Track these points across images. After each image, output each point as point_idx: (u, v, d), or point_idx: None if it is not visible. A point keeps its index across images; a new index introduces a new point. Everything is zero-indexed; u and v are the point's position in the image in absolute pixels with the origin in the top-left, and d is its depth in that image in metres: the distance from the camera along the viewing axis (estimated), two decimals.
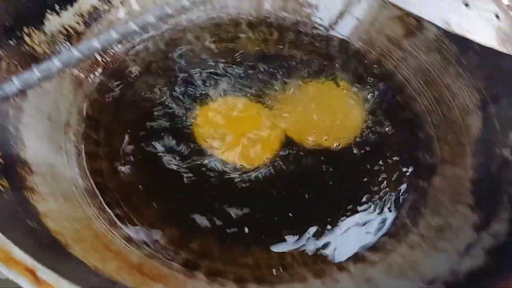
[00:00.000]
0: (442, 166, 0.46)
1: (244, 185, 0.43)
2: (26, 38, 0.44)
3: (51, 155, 0.41)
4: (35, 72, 0.27)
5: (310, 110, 0.50)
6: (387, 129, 0.49)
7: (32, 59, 0.43)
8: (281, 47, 0.56)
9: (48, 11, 0.46)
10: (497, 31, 0.32)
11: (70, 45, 0.45)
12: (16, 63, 0.42)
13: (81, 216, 0.38)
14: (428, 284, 0.35)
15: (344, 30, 0.56)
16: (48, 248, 0.30)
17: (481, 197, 0.41)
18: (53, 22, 0.46)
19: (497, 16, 0.32)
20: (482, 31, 0.31)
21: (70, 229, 0.35)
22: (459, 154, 0.46)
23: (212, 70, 0.52)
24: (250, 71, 0.53)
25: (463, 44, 0.50)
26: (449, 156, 0.47)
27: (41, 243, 0.30)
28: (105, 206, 0.41)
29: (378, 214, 0.43)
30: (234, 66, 0.53)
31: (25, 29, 0.44)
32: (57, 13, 0.47)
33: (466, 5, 0.31)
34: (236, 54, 0.54)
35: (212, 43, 0.56)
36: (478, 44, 0.48)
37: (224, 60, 0.53)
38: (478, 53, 0.48)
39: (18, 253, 0.24)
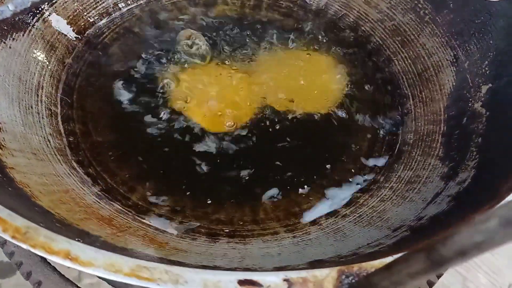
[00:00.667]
0: (415, 123, 0.47)
1: (217, 145, 0.44)
2: None
3: (21, 114, 0.41)
4: None
5: (289, 76, 0.50)
6: (365, 90, 0.49)
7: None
8: (258, 11, 0.56)
9: None
10: None
11: None
12: None
13: (51, 172, 0.38)
14: (394, 231, 0.35)
15: None
16: (13, 197, 0.30)
17: (451, 149, 0.41)
18: None
19: None
20: None
21: (38, 183, 0.35)
22: (433, 110, 0.46)
23: (189, 35, 0.52)
24: (226, 36, 0.53)
25: (437, 2, 0.50)
26: (422, 113, 0.47)
27: (5, 192, 0.30)
28: (77, 164, 0.41)
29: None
30: (210, 33, 0.53)
31: None
32: None
33: None
34: (214, 20, 0.54)
35: (188, 7, 0.55)
36: (452, 2, 0.49)
37: (200, 26, 0.53)
38: (452, 10, 0.48)
39: None
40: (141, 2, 0.55)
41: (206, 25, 0.54)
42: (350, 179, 0.43)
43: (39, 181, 0.35)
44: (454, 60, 0.47)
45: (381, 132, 0.47)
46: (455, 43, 0.48)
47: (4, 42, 0.42)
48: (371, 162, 0.44)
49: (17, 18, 0.45)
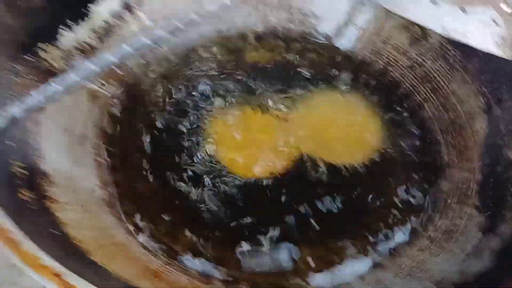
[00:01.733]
0: (449, 170, 0.47)
1: (252, 194, 0.45)
2: (42, 53, 0.45)
3: (69, 166, 0.42)
4: (55, 86, 0.29)
5: (324, 125, 0.51)
6: (397, 139, 0.50)
7: (49, 74, 0.45)
8: (288, 57, 0.58)
9: (61, 26, 0.48)
10: (494, 36, 0.33)
11: (86, 59, 0.47)
12: (34, 78, 0.44)
13: (99, 225, 0.39)
14: (436, 284, 0.36)
15: (349, 40, 0.58)
16: (71, 255, 0.32)
17: (487, 199, 0.42)
18: (67, 37, 0.48)
19: (494, 22, 0.33)
20: (479, 36, 0.32)
21: (90, 237, 0.36)
22: (466, 158, 0.47)
23: (222, 82, 0.54)
24: (258, 82, 0.54)
25: (467, 50, 0.51)
26: (456, 160, 0.48)
27: (64, 250, 0.31)
28: (123, 215, 0.42)
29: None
30: (243, 78, 0.54)
31: (40, 45, 0.45)
32: (70, 28, 0.48)
33: (463, 10, 0.32)
34: (245, 66, 0.56)
35: (220, 55, 0.57)
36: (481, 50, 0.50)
37: (233, 72, 0.55)
38: (481, 58, 0.49)
39: (46, 259, 0.25)
40: (176, 50, 0.57)
41: (240, 73, 0.55)
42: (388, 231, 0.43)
43: (89, 235, 0.37)
44: (486, 108, 0.48)
45: (415, 176, 0.47)
46: (486, 90, 0.48)
47: None
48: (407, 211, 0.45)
49: (62, 71, 0.47)
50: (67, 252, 0.32)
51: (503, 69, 0.47)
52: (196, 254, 0.41)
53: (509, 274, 0.31)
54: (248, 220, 0.43)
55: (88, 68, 0.29)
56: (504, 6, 0.34)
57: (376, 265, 0.41)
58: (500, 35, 0.33)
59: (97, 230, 0.38)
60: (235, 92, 0.52)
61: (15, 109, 0.28)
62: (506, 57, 0.33)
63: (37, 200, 0.36)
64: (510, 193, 0.41)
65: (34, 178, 0.38)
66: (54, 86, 0.29)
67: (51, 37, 0.46)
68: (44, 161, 0.40)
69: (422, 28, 0.54)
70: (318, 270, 0.41)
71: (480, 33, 0.32)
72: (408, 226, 0.44)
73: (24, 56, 0.44)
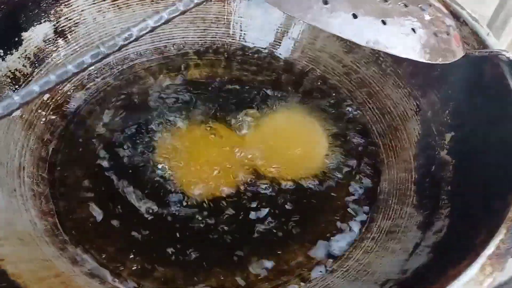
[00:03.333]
0: (388, 171, 0.49)
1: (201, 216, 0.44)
2: None
3: (4, 199, 0.41)
4: None
5: (269, 138, 0.52)
6: (340, 141, 0.52)
7: None
8: (229, 71, 0.59)
9: None
10: (414, 44, 0.34)
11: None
12: None
13: (40, 257, 0.38)
14: (381, 285, 0.37)
15: (286, 51, 0.59)
16: None
17: (423, 197, 0.44)
18: None
19: (413, 30, 0.35)
20: (400, 45, 0.34)
21: (28, 271, 0.35)
22: (403, 159, 0.49)
23: (164, 101, 0.53)
24: (201, 97, 0.54)
25: (396, 56, 0.53)
26: (394, 161, 0.49)
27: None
28: (66, 244, 0.41)
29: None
30: (185, 95, 0.54)
31: None
32: (2, 58, 0.47)
33: (384, 23, 0.34)
34: (186, 83, 0.56)
35: (161, 74, 0.57)
36: None
37: (176, 89, 0.55)
38: (410, 63, 0.52)
39: None
40: (114, 71, 0.56)
41: (181, 89, 0.55)
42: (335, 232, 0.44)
43: (27, 268, 0.35)
44: (418, 110, 0.50)
45: (356, 179, 0.49)
46: (417, 93, 0.51)
47: None
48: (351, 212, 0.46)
49: None
50: None
51: (432, 73, 0.50)
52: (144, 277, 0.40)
53: (444, 269, 0.33)
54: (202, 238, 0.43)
55: (13, 100, 0.29)
56: (425, 15, 0.36)
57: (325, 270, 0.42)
58: (418, 41, 0.35)
59: (37, 262, 0.37)
60: (180, 111, 0.52)
61: None
62: (425, 61, 0.35)
63: None
64: (445, 191, 0.43)
65: None
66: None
67: None
68: None
69: None
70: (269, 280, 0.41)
71: (400, 42, 0.34)
72: (353, 227, 0.45)
73: None
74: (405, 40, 0.34)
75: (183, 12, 0.32)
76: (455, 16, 0.45)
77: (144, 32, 0.31)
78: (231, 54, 0.61)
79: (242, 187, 0.46)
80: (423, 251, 0.38)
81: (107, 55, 0.30)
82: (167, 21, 0.32)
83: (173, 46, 0.60)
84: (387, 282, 0.37)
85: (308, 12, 0.33)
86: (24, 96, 0.29)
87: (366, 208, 0.46)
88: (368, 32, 0.33)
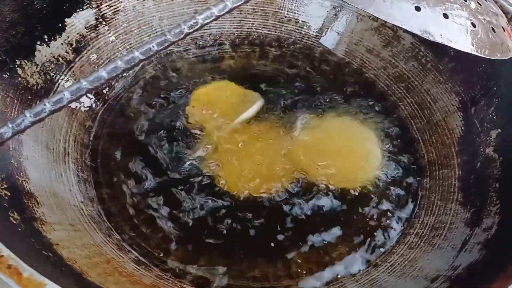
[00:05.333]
0: (429, 168, 0.49)
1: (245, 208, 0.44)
2: (19, 70, 0.44)
3: (53, 184, 0.41)
4: (46, 105, 0.28)
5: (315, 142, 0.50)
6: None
7: (25, 90, 0.44)
8: (264, 62, 0.58)
9: (38, 42, 0.46)
10: (474, 38, 0.34)
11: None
12: (11, 95, 0.42)
13: (90, 243, 0.38)
14: (432, 281, 0.37)
15: (325, 43, 0.59)
16: (67, 276, 0.31)
17: (469, 194, 0.44)
18: (43, 52, 0.47)
19: (473, 25, 0.34)
20: (461, 39, 0.34)
21: (82, 256, 0.35)
22: (445, 154, 0.49)
23: None
24: None
25: (438, 50, 0.53)
26: (435, 157, 0.49)
27: (60, 272, 0.30)
28: (111, 231, 0.41)
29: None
30: None
31: (17, 61, 0.44)
32: (47, 44, 0.47)
33: (446, 16, 0.33)
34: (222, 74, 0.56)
35: (197, 63, 0.57)
36: (452, 50, 0.52)
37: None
38: (452, 58, 0.51)
39: (49, 284, 0.24)
40: (152, 59, 0.56)
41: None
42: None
43: (82, 254, 0.36)
44: (460, 106, 0.50)
45: (396, 175, 0.48)
46: (459, 89, 0.50)
47: None
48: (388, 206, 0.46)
49: (39, 87, 0.46)
50: (64, 274, 0.31)
51: (474, 69, 0.49)
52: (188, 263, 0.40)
53: (498, 265, 0.33)
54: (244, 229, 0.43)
55: (81, 85, 0.29)
56: (482, 10, 0.36)
57: (368, 264, 0.42)
58: (478, 36, 0.35)
59: (89, 248, 0.37)
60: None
61: (4, 129, 0.27)
62: (484, 57, 0.35)
63: (24, 222, 0.34)
64: (493, 189, 0.42)
65: (20, 198, 0.36)
66: (45, 105, 0.28)
67: (28, 54, 0.45)
68: (28, 180, 0.39)
69: (394, 30, 0.56)
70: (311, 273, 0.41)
71: (462, 36, 0.34)
72: (395, 223, 0.45)
73: (1, 74, 0.42)
74: (466, 35, 0.34)
75: (247, 1, 0.32)
76: (504, 11, 0.44)
77: (208, 20, 0.31)
78: (266, 44, 0.60)
79: (289, 188, 0.46)
80: (474, 248, 0.38)
81: (173, 43, 0.30)
82: (230, 10, 0.32)
83: (209, 37, 0.60)
84: (437, 278, 0.37)
85: (371, 2, 0.33)
86: (92, 81, 0.29)
87: (407, 204, 0.46)
88: (431, 25, 0.33)
